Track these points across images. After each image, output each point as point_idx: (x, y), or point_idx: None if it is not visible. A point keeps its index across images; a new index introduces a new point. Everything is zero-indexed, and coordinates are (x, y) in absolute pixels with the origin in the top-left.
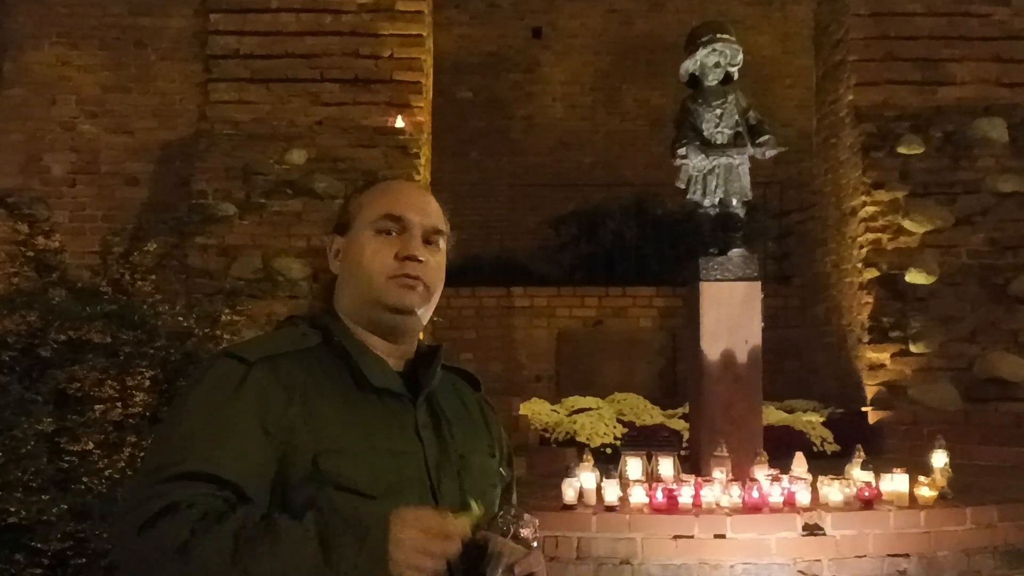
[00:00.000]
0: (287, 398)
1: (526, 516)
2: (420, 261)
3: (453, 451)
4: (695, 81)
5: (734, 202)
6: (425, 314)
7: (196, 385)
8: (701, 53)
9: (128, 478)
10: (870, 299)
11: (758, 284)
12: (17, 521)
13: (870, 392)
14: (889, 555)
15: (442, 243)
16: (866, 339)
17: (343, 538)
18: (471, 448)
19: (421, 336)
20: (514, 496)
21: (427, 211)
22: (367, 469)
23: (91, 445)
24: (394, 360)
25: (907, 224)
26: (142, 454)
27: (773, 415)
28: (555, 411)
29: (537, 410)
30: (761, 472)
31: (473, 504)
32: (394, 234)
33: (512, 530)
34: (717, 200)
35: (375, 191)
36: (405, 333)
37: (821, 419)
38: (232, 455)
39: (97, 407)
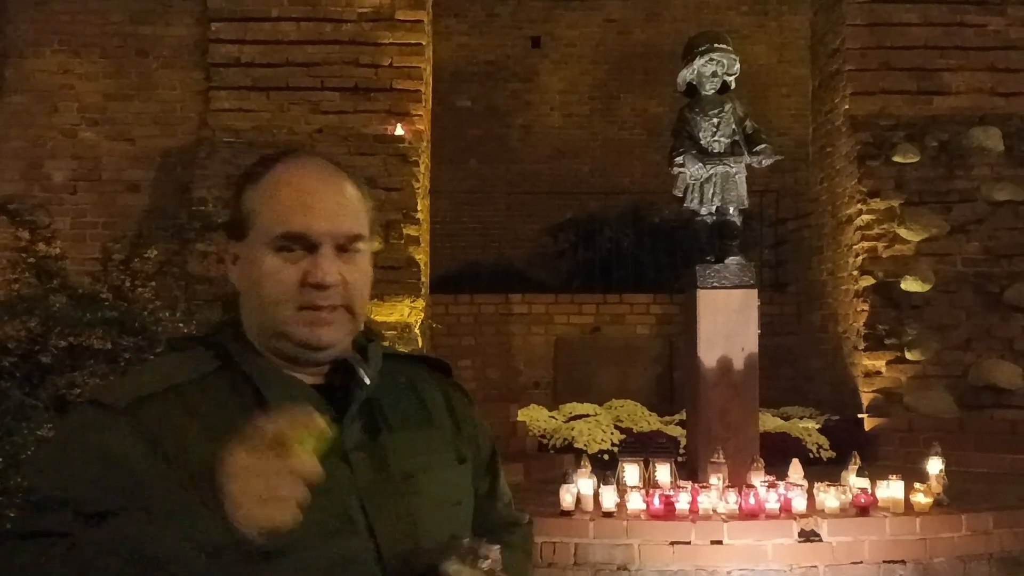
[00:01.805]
0: (151, 452)
1: (485, 546)
2: (332, 288)
3: (397, 469)
4: (692, 90)
5: (731, 210)
6: (350, 335)
7: (49, 445)
8: (698, 62)
9: None
10: (865, 307)
11: (754, 291)
12: None
13: (866, 399)
14: (885, 561)
15: (363, 245)
16: (862, 346)
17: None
18: (425, 462)
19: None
20: (501, 489)
21: (339, 214)
22: None
23: None
24: (312, 374)
25: (902, 232)
26: None
27: (769, 422)
28: (553, 417)
29: (535, 416)
30: (758, 478)
31: (318, 418)
32: (298, 250)
33: (471, 559)
34: (714, 208)
35: (269, 188)
36: (325, 363)
37: (817, 426)
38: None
39: None
